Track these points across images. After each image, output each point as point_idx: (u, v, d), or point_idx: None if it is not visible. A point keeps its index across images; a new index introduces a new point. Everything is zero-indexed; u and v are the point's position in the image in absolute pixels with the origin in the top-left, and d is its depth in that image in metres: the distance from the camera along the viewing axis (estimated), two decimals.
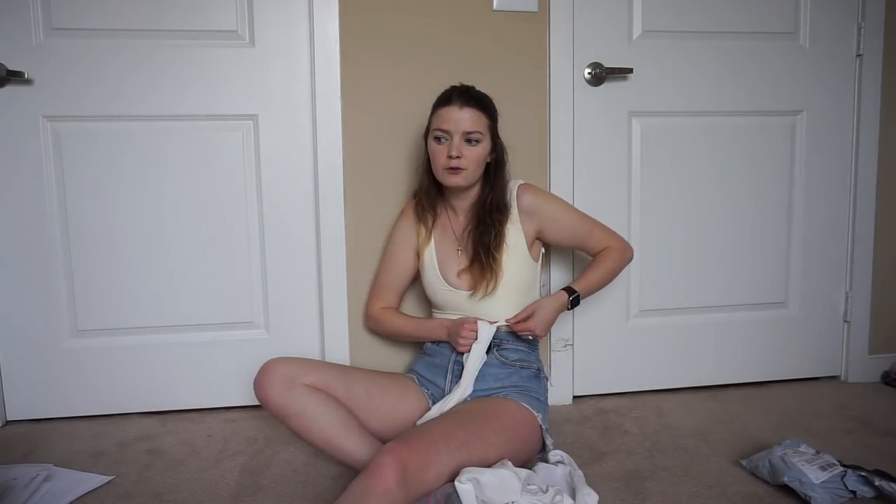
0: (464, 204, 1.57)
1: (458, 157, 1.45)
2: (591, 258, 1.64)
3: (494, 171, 1.53)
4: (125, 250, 1.77)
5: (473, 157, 1.47)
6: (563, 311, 1.54)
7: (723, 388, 2.00)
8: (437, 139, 1.48)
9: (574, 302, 1.54)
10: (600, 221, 1.64)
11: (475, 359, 1.46)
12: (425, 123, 1.55)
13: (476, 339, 1.46)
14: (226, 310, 1.83)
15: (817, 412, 1.81)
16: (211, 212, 1.79)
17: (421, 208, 1.61)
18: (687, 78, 1.88)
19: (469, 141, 1.46)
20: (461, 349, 1.47)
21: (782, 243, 2.00)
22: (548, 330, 1.52)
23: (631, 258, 1.65)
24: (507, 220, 1.52)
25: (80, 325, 1.78)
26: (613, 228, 1.63)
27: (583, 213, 1.64)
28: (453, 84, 1.52)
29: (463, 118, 1.45)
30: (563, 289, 1.55)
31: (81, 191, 1.74)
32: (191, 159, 1.77)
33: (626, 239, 1.87)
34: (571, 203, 1.82)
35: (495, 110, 1.52)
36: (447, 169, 1.47)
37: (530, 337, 1.50)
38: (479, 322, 1.47)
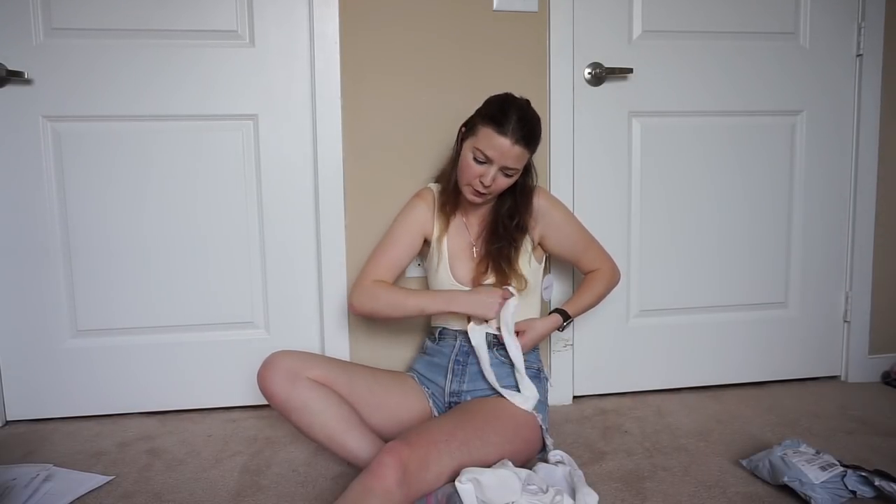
0: (481, 209, 1.56)
1: (489, 185, 1.43)
2: (582, 274, 1.66)
3: (521, 193, 1.51)
4: (125, 250, 1.77)
5: (503, 185, 1.45)
6: (554, 331, 1.58)
7: (723, 388, 2.00)
8: (476, 159, 1.42)
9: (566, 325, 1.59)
10: (598, 242, 1.64)
11: (507, 323, 1.45)
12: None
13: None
14: (226, 310, 1.83)
15: (817, 412, 1.81)
16: (211, 211, 1.79)
17: (443, 200, 1.57)
18: (687, 78, 1.88)
19: (506, 174, 1.44)
20: (490, 315, 1.45)
21: (782, 243, 2.00)
22: (533, 347, 1.55)
23: (618, 282, 1.67)
24: (525, 237, 1.53)
25: (80, 325, 1.78)
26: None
27: (585, 230, 1.64)
28: (509, 94, 1.45)
29: (510, 154, 1.39)
30: (557, 311, 1.57)
31: (81, 191, 1.74)
32: (191, 159, 1.77)
33: (625, 242, 1.90)
34: (572, 203, 1.83)
35: (540, 140, 1.47)
36: (473, 190, 1.45)
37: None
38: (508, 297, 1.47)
